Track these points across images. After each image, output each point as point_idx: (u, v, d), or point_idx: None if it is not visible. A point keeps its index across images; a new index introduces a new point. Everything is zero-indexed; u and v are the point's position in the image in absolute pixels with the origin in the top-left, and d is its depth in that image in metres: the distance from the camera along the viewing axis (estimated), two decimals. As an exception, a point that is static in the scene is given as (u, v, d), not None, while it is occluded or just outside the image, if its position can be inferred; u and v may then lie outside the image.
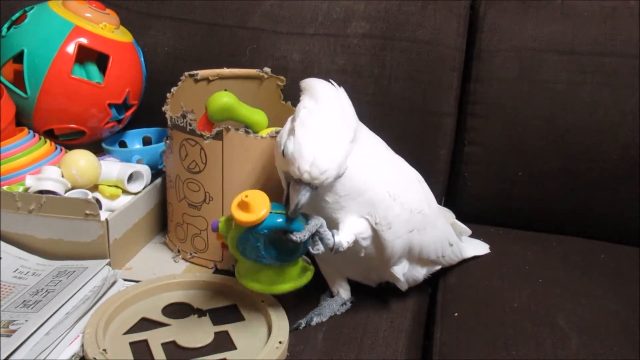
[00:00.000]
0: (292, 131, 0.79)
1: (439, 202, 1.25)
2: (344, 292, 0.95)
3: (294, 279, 0.85)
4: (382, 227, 0.84)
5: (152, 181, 1.08)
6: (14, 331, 0.80)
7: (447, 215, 1.06)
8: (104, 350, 0.78)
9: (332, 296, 0.95)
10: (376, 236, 0.85)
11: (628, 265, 1.10)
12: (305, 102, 0.81)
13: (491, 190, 1.20)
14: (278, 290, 0.85)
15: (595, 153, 1.14)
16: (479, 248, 1.10)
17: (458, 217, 1.25)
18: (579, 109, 1.13)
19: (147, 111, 1.18)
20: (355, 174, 0.81)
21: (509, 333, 0.90)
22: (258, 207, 0.78)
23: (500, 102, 1.16)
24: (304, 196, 0.77)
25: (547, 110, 1.14)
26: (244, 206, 0.78)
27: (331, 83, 0.84)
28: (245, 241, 0.81)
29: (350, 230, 0.83)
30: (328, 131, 0.78)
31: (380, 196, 0.84)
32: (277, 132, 0.94)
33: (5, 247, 0.98)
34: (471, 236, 1.12)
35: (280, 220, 0.79)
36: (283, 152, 0.78)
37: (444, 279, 1.06)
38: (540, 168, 1.16)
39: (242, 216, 0.78)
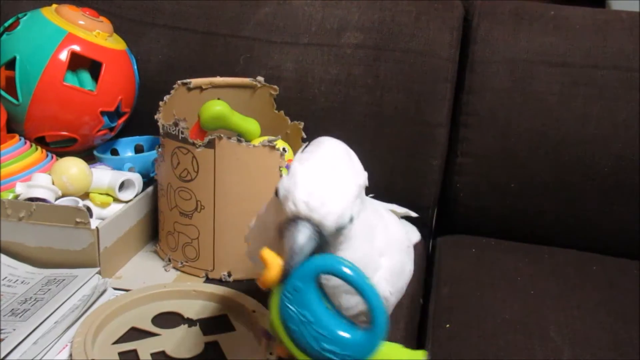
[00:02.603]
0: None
1: (432, 214, 1.25)
2: None
3: None
4: None
5: (143, 189, 1.07)
6: (1, 340, 0.79)
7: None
8: (93, 360, 0.78)
9: None
10: None
11: (620, 277, 1.10)
12: (306, 149, 0.69)
13: (483, 201, 1.20)
14: None
15: (588, 165, 1.14)
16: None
17: (450, 228, 1.26)
18: (571, 121, 1.14)
19: (139, 119, 1.18)
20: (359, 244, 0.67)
21: (500, 345, 0.90)
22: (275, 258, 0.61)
23: (492, 113, 1.16)
24: (301, 233, 0.60)
25: (540, 121, 1.15)
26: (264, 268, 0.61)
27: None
28: (289, 317, 0.59)
29: None
30: (331, 169, 0.65)
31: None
32: (270, 141, 0.95)
33: (-6, 255, 0.97)
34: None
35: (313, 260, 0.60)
36: (277, 192, 0.64)
37: (436, 290, 1.06)
38: (533, 179, 1.16)
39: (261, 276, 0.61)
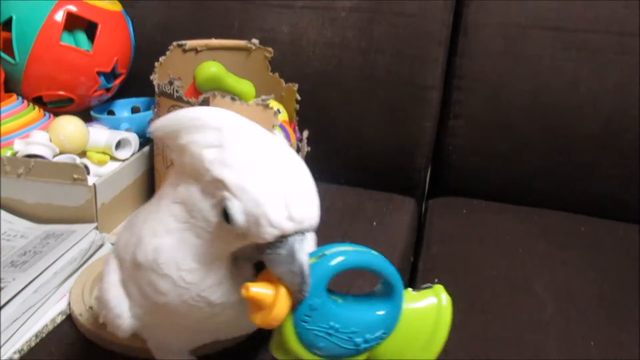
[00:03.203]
0: (217, 188, 0.51)
1: (424, 176, 1.28)
2: None
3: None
4: None
5: (140, 149, 1.09)
6: (1, 289, 0.82)
7: None
8: (90, 307, 0.80)
9: None
10: None
11: (608, 238, 1.12)
12: (208, 140, 0.52)
13: (475, 164, 1.22)
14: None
15: (578, 128, 1.16)
16: None
17: (442, 191, 1.28)
18: (562, 85, 1.15)
19: (135, 82, 1.19)
20: None
21: (485, 298, 0.93)
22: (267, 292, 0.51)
23: (485, 76, 1.18)
24: (302, 251, 0.50)
25: (531, 85, 1.16)
26: (253, 306, 0.51)
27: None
28: (314, 337, 0.53)
29: None
30: (272, 160, 0.52)
31: None
32: (264, 100, 0.96)
33: (-6, 210, 1.00)
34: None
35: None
36: (227, 218, 0.50)
37: (425, 248, 1.08)
38: (524, 142, 1.18)
39: (261, 317, 0.51)
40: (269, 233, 0.48)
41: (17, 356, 0.75)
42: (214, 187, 0.51)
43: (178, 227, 0.54)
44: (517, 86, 1.17)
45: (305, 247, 0.49)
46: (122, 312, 0.59)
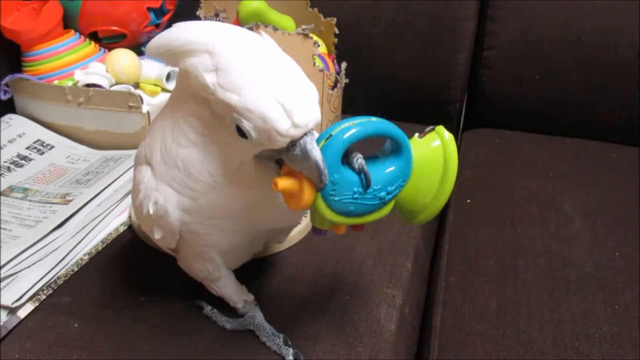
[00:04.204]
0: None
1: (459, 107, 1.31)
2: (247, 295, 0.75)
3: None
4: None
5: (188, 81, 1.15)
6: (70, 201, 0.91)
7: None
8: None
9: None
10: None
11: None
12: (205, 64, 0.55)
13: (508, 94, 1.25)
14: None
15: (611, 56, 1.17)
16: None
17: (477, 122, 1.32)
18: (596, 12, 1.16)
19: (183, 19, 1.24)
20: None
21: (516, 215, 0.98)
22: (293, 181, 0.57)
23: (519, 6, 1.20)
24: (315, 149, 0.55)
25: (565, 13, 1.18)
26: (286, 196, 0.58)
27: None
28: (344, 205, 0.59)
29: None
30: (267, 62, 0.55)
31: None
32: (304, 29, 1.01)
33: (58, 137, 1.08)
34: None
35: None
36: (242, 134, 0.55)
37: (459, 172, 1.12)
38: (557, 71, 1.20)
39: (294, 204, 0.58)
40: (281, 142, 0.54)
41: (87, 257, 0.83)
42: (222, 109, 0.55)
43: (199, 139, 0.59)
44: (551, 15, 1.18)
45: (315, 143, 0.55)
46: (168, 206, 0.62)
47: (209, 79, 0.54)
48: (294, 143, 0.54)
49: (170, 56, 0.58)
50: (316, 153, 0.54)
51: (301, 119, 0.53)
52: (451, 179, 0.63)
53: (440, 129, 0.64)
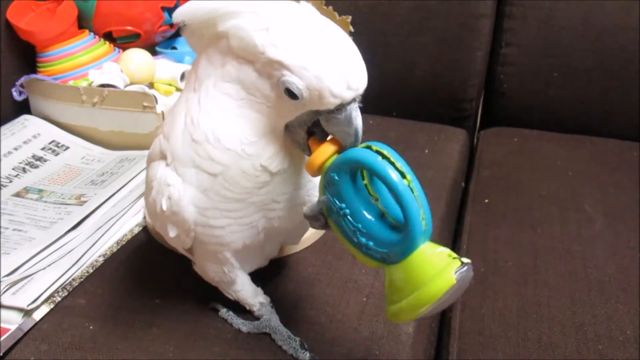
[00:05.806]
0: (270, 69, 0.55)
1: (476, 106, 1.30)
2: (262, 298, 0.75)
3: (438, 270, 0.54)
4: None
5: (202, 81, 1.15)
6: (85, 202, 0.90)
7: None
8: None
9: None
10: None
11: (661, 163, 1.13)
12: (253, 24, 0.54)
13: (527, 91, 1.23)
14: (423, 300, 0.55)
15: (630, 53, 1.15)
16: None
17: (494, 119, 1.30)
18: (615, 9, 1.15)
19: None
20: None
21: (535, 216, 0.96)
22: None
23: (537, 3, 1.18)
24: (359, 116, 0.56)
25: (583, 10, 1.16)
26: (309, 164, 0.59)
27: None
28: (330, 207, 0.58)
29: None
30: (319, 29, 0.55)
31: None
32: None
33: (72, 137, 1.08)
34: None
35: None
36: (290, 94, 0.54)
37: (477, 172, 1.11)
38: (575, 69, 1.19)
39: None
40: (332, 103, 0.54)
41: (102, 259, 0.83)
42: (271, 68, 0.54)
43: (234, 105, 0.57)
44: (569, 12, 1.17)
45: (359, 111, 0.56)
46: (181, 200, 0.60)
47: (259, 38, 0.54)
48: (340, 107, 0.54)
49: (204, 20, 0.56)
50: (359, 121, 0.56)
51: (355, 82, 0.54)
52: (428, 298, 0.54)
53: (456, 264, 0.54)
